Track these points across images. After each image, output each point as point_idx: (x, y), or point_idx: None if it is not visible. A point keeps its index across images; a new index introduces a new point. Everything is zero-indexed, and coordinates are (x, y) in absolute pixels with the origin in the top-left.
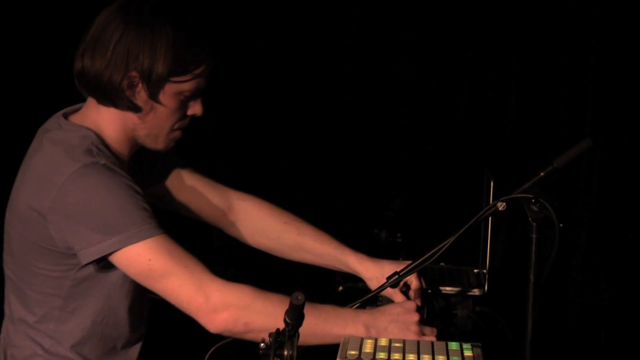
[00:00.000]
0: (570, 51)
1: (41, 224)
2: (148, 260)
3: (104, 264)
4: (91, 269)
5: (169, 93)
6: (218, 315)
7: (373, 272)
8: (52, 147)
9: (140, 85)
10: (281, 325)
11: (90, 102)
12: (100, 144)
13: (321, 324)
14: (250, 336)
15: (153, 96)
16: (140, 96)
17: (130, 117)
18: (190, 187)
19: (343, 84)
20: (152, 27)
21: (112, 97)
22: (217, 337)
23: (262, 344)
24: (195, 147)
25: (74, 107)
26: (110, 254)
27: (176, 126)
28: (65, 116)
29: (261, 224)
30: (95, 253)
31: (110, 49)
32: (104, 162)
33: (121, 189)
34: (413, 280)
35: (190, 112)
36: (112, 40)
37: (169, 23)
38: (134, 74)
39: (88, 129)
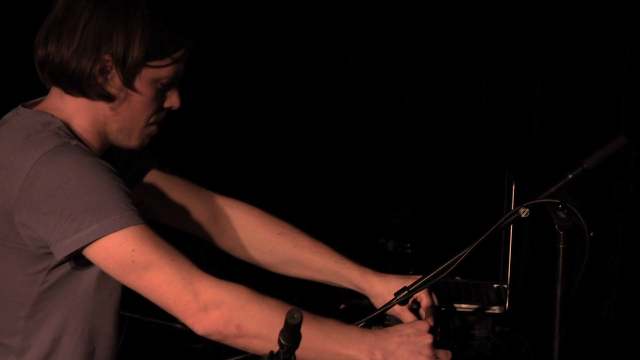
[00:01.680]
0: (602, 40)
1: (8, 222)
2: (131, 250)
3: (78, 262)
4: (63, 270)
5: (145, 80)
6: (208, 315)
7: (378, 288)
8: (10, 136)
9: (113, 70)
10: (277, 335)
11: (54, 92)
12: (68, 130)
13: (322, 338)
14: (241, 342)
15: (128, 83)
16: (114, 83)
17: (102, 109)
18: (170, 192)
19: (347, 80)
20: (127, 5)
21: (81, 85)
22: None
23: None
24: (179, 148)
25: (36, 99)
26: (88, 245)
27: (152, 120)
28: (25, 107)
29: (252, 235)
30: (72, 245)
31: (79, 30)
32: (76, 143)
33: (99, 170)
34: (423, 297)
35: (167, 104)
36: (80, 21)
37: (145, 1)
38: (106, 57)
39: (52, 115)
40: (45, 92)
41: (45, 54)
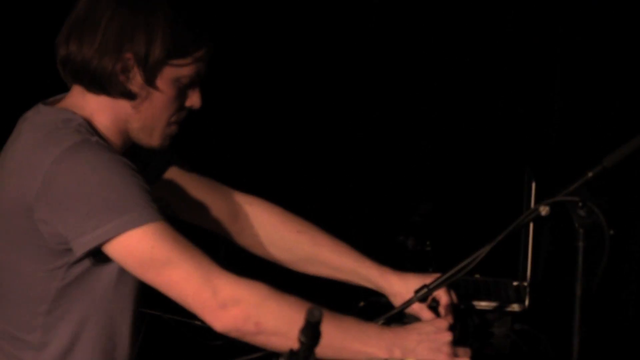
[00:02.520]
0: (623, 37)
1: (27, 218)
2: (151, 247)
3: (98, 257)
4: (83, 266)
5: (166, 78)
6: (227, 312)
7: (397, 287)
8: (32, 132)
9: (135, 69)
10: (296, 332)
11: (76, 90)
12: (89, 127)
13: (340, 335)
14: (260, 339)
15: (149, 81)
16: (135, 81)
17: (123, 107)
18: (190, 189)
19: (367, 78)
20: (148, 4)
21: (103, 83)
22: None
23: None
24: (199, 145)
25: (57, 97)
26: (107, 241)
27: (173, 119)
28: (46, 104)
29: (271, 233)
30: (91, 241)
31: (101, 29)
32: (96, 140)
33: (118, 167)
34: (442, 295)
35: (188, 103)
36: (102, 20)
37: (167, 0)
38: (128, 56)
39: (73, 112)
40: (65, 89)
41: (67, 53)
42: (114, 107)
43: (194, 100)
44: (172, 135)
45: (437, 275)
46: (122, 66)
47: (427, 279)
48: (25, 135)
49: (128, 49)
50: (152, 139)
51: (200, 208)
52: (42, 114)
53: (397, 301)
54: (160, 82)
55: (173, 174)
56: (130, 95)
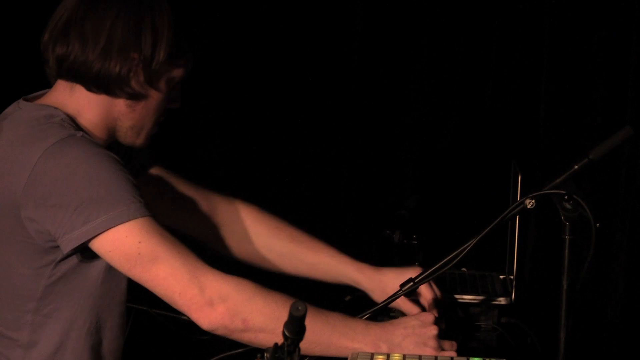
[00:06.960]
0: (607, 29)
1: (14, 216)
2: (138, 242)
3: (85, 254)
4: (70, 263)
5: (164, 78)
6: (213, 309)
7: (376, 282)
8: (14, 129)
9: (138, 69)
10: (281, 329)
11: (61, 85)
12: (72, 122)
13: (327, 331)
14: (247, 336)
15: (151, 81)
16: (137, 81)
17: (118, 105)
18: (166, 190)
19: (354, 72)
20: (151, 4)
21: (108, 84)
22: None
23: None
24: (176, 146)
25: (38, 93)
26: (95, 237)
27: (160, 119)
28: (27, 100)
29: (248, 231)
30: (80, 237)
31: (106, 29)
32: (82, 134)
33: (105, 161)
34: (424, 290)
35: (171, 103)
36: (106, 20)
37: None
38: (134, 56)
39: (55, 108)
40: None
41: (66, 52)
42: (108, 104)
43: (177, 99)
44: (153, 135)
45: (417, 269)
46: (129, 67)
47: (406, 273)
48: (8, 133)
49: (134, 50)
50: (139, 138)
51: (176, 211)
52: (23, 110)
53: (376, 296)
54: (160, 82)
55: (150, 176)
56: (135, 96)
